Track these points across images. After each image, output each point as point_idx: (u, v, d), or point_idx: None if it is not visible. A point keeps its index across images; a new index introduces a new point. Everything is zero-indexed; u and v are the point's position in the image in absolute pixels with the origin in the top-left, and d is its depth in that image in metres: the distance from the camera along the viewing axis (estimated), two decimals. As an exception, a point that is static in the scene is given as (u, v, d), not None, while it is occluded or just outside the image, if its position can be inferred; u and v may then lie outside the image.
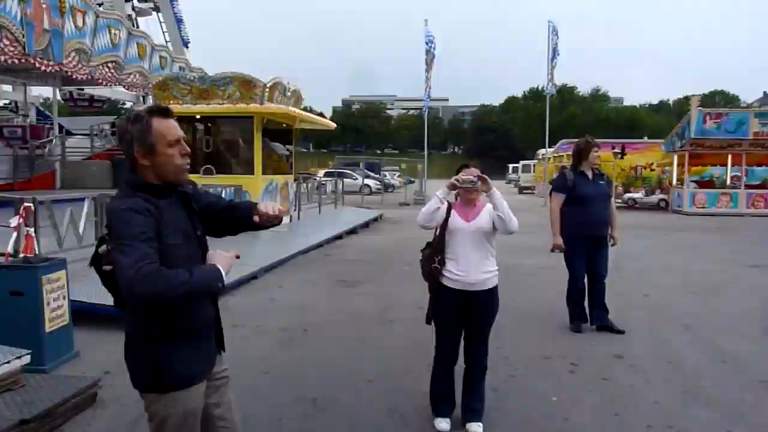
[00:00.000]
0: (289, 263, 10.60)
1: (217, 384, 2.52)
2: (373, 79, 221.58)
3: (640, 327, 6.74)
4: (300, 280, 9.28)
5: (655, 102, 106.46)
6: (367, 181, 35.30)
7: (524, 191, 44.65)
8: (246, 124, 13.58)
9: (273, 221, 2.46)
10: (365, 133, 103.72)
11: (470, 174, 3.91)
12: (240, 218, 2.50)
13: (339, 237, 14.62)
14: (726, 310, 7.63)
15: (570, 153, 7.61)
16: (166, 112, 2.29)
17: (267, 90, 13.38)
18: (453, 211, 4.05)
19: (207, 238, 2.47)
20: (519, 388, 4.87)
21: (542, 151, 36.61)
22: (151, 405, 2.33)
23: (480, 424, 4.04)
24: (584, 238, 6.37)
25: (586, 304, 6.60)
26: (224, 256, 2.29)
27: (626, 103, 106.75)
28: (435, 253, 4.03)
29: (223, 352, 2.59)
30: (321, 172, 36.36)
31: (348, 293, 8.45)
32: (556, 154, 35.97)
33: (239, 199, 12.09)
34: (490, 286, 4.00)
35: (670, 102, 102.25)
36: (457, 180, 3.90)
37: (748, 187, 25.62)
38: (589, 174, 6.41)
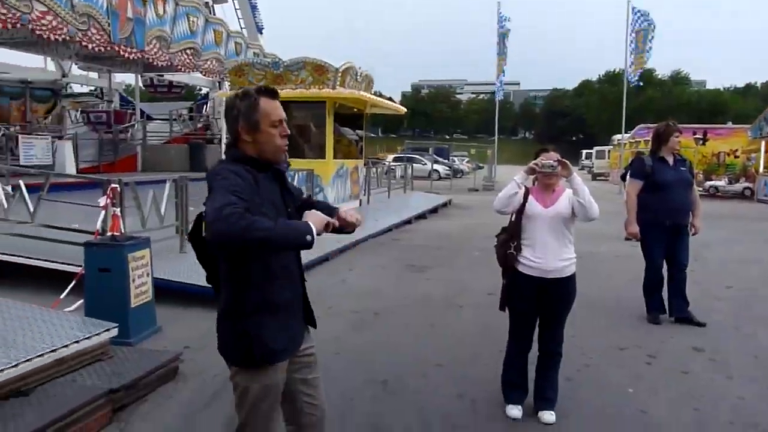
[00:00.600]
0: (359, 247, 10.71)
1: (304, 361, 2.60)
2: (443, 63, 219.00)
3: (722, 320, 6.47)
4: (370, 263, 9.37)
5: (741, 85, 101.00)
6: (435, 166, 35.16)
7: (598, 178, 43.42)
8: (318, 109, 13.73)
9: (347, 229, 2.55)
10: (434, 117, 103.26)
11: (549, 158, 3.82)
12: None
13: (408, 222, 14.65)
14: (817, 305, 7.22)
15: (648, 138, 7.36)
16: (273, 94, 2.41)
17: (339, 75, 13.48)
18: (531, 197, 3.96)
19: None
20: (593, 379, 4.77)
21: (618, 136, 35.46)
22: (235, 375, 2.46)
23: (552, 412, 3.99)
24: (663, 226, 6.14)
25: (664, 294, 6.39)
26: (319, 215, 2.34)
27: (709, 86, 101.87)
28: (511, 238, 3.97)
29: (314, 328, 2.69)
30: (390, 157, 36.45)
31: (417, 278, 8.47)
32: (632, 140, 34.76)
33: (311, 184, 12.31)
34: (568, 274, 3.91)
35: (758, 85, 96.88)
36: (537, 164, 3.82)
37: (843, 175, 24.06)
38: (670, 159, 6.17)
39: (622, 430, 3.90)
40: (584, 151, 55.58)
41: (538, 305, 3.97)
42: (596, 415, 4.11)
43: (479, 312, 6.65)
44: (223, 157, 2.48)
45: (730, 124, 36.33)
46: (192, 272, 6.94)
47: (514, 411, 4.04)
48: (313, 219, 2.29)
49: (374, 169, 19.15)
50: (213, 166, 2.38)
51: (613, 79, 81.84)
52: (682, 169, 6.18)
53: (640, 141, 32.30)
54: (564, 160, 3.82)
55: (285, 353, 2.45)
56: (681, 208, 6.14)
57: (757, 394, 4.50)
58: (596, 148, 49.53)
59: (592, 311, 6.69)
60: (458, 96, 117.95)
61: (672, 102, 77.92)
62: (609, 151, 44.52)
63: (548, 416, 3.97)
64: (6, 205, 7.43)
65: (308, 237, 2.21)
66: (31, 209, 7.19)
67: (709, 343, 5.67)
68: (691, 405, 4.28)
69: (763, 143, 26.19)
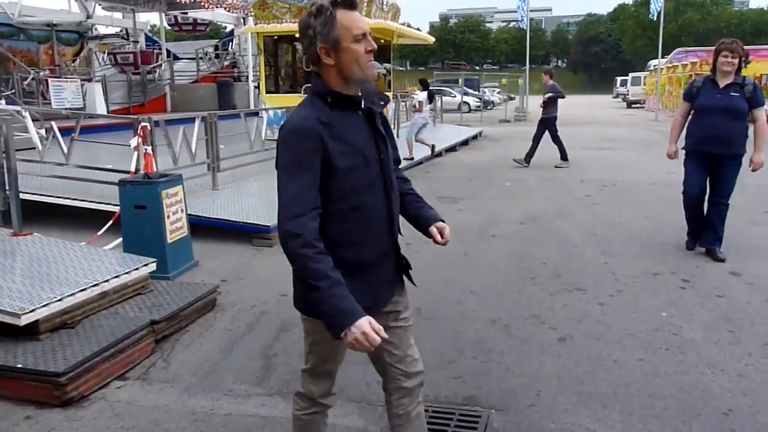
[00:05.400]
0: (390, 180, 10.68)
1: (391, 324, 2.25)
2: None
3: (761, 244, 6.35)
4: (401, 196, 9.35)
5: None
6: (465, 98, 34.51)
7: (633, 105, 42.24)
8: (344, 42, 13.48)
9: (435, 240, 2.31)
10: (463, 48, 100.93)
11: None
12: (414, 216, 2.37)
13: (438, 155, 14.52)
14: None
15: (686, 63, 7.01)
16: (350, 4, 2.04)
17: (364, 5, 13.16)
18: None
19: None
20: (625, 303, 4.76)
21: (654, 62, 34.19)
22: (304, 323, 2.27)
23: None
24: (700, 154, 5.80)
25: None
26: (373, 326, 1.92)
27: (752, 5, 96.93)
28: None
29: (413, 285, 2.38)
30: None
31: (449, 209, 8.45)
32: (669, 65, 33.53)
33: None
34: None
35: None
36: None
37: None
38: (721, 82, 5.64)
39: (655, 351, 3.91)
40: (619, 78, 53.83)
41: None
42: (628, 337, 4.12)
43: (511, 241, 6.65)
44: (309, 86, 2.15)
45: (773, 45, 34.73)
46: (226, 208, 7.05)
47: None
48: (366, 324, 1.90)
49: (403, 103, 18.88)
50: (289, 116, 2.10)
51: (649, 1, 78.30)
52: (733, 94, 5.59)
53: (677, 65, 31.17)
54: None
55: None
56: (716, 137, 5.62)
57: (795, 315, 4.45)
58: (631, 74, 47.94)
59: (627, 238, 6.65)
60: (488, 25, 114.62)
61: (712, 25, 74.57)
62: (645, 77, 43.08)
63: None
64: (41, 148, 7.55)
65: (337, 331, 1.92)
66: (65, 151, 7.29)
67: (747, 267, 5.58)
68: (726, 327, 4.26)
69: (808, 63, 25.01)
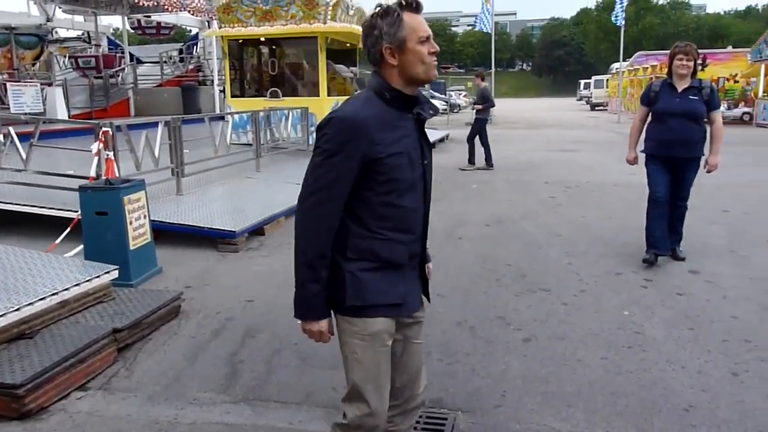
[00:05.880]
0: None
1: (413, 341, 2.37)
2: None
3: (718, 243, 6.52)
4: (368, 200, 9.35)
5: (741, 8, 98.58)
6: (432, 101, 34.67)
7: (596, 108, 42.99)
8: (310, 45, 13.45)
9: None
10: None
11: None
12: None
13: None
14: (813, 226, 7.25)
15: (647, 66, 7.08)
16: (417, 8, 2.11)
17: (330, 9, 13.14)
18: None
19: None
20: (589, 303, 4.84)
21: (616, 65, 34.87)
22: (338, 324, 2.24)
23: None
24: (661, 158, 5.80)
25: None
26: (327, 326, 2.16)
27: (709, 10, 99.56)
28: None
29: (428, 301, 2.45)
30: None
31: (415, 212, 8.48)
32: (631, 68, 34.22)
33: (305, 122, 12.20)
34: None
35: (759, 7, 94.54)
36: None
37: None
38: (679, 86, 5.65)
39: (617, 350, 3.98)
40: (582, 81, 54.75)
41: None
42: (591, 337, 4.19)
43: (477, 243, 6.70)
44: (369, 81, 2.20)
45: (729, 48, 35.67)
46: (190, 213, 6.96)
47: None
48: (323, 324, 2.14)
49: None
50: (341, 105, 2.13)
51: (611, 5, 79.82)
52: (692, 97, 5.60)
53: (638, 69, 31.82)
54: None
55: (386, 309, 2.17)
56: (677, 141, 5.63)
57: (751, 313, 4.57)
58: (594, 77, 48.79)
59: (590, 239, 6.75)
60: (454, 29, 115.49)
61: (671, 28, 76.38)
62: (607, 80, 43.91)
63: None
64: (-3, 153, 7.36)
65: (297, 314, 2.14)
66: (24, 156, 7.12)
67: (706, 266, 5.72)
68: (686, 325, 4.36)
69: (762, 67, 25.76)
